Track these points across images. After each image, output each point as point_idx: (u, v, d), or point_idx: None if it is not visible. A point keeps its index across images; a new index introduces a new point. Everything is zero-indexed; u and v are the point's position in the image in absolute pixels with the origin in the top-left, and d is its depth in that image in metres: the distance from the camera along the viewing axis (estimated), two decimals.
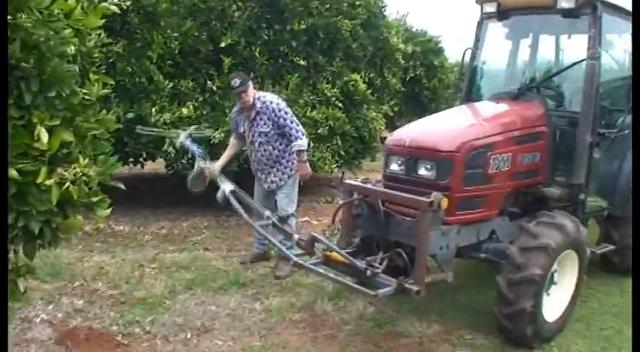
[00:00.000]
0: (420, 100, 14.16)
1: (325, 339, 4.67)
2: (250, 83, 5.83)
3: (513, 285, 4.31)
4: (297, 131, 5.76)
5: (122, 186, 2.99)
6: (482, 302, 5.29)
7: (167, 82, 7.15)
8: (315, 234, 4.76)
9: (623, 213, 5.66)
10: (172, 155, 7.05)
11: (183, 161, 7.55)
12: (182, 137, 5.93)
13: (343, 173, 10.06)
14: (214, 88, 7.44)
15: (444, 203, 4.25)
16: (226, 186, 5.38)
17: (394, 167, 4.72)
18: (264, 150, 5.87)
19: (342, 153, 8.46)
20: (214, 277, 5.83)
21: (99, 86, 3.11)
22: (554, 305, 4.67)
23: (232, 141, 6.25)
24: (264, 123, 5.79)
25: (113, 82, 3.62)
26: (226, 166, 6.15)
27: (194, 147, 5.88)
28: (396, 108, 11.18)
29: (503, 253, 4.73)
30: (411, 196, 4.25)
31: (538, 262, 4.32)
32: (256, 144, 5.88)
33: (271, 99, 5.86)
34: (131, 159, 7.94)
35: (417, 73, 13.16)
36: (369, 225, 4.81)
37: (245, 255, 6.41)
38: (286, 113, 5.79)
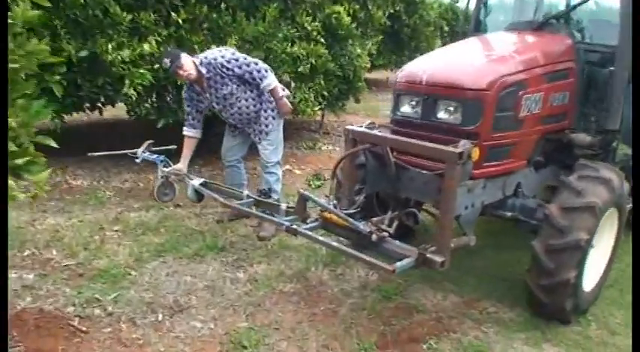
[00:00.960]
0: (400, 38, 13.12)
1: (325, 316, 3.84)
2: (183, 55, 4.77)
3: (554, 253, 3.51)
4: (258, 71, 4.80)
5: (52, 144, 2.03)
6: (500, 266, 4.53)
7: (125, 14, 5.97)
8: (306, 193, 3.86)
9: None
10: (134, 98, 5.97)
11: (147, 105, 6.48)
12: (139, 151, 5.23)
13: (323, 115, 9.15)
14: (180, 20, 6.28)
15: (475, 153, 3.38)
16: (195, 181, 4.77)
17: (406, 109, 3.79)
18: (239, 109, 4.95)
19: (326, 93, 7.47)
20: (188, 240, 4.91)
21: (25, 5, 2.16)
22: (591, 271, 3.91)
23: (187, 132, 5.17)
24: (222, 85, 4.82)
25: (49, 4, 2.66)
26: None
27: (154, 156, 5.18)
28: (376, 46, 10.13)
29: (531, 211, 3.94)
30: (434, 146, 3.34)
31: (584, 225, 3.52)
32: (228, 108, 4.96)
33: (213, 56, 4.83)
34: (87, 105, 6.81)
35: (397, 8, 12.06)
36: (375, 179, 3.93)
37: (222, 212, 5.48)
38: (237, 60, 4.81)
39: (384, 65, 13.87)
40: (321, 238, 3.59)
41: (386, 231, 3.58)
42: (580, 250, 3.51)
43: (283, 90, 5.06)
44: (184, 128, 5.17)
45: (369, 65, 8.38)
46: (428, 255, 3.31)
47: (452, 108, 3.56)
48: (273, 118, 5.02)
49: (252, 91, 4.91)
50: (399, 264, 3.24)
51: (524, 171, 4.06)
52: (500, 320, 3.87)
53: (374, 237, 3.45)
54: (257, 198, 4.38)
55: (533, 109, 3.85)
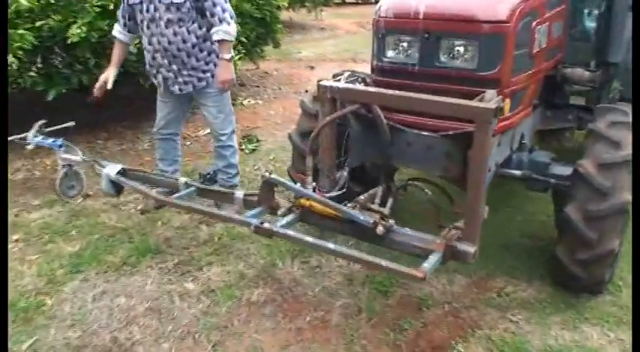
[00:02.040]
0: None
1: (314, 330, 2.92)
2: None
3: (596, 220, 2.76)
4: (223, 10, 3.61)
5: None
6: (496, 230, 3.76)
7: None
8: (273, 176, 2.84)
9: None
10: (14, 66, 4.53)
11: (32, 73, 5.03)
12: (30, 136, 3.85)
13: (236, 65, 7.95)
14: None
15: (507, 107, 2.52)
16: (110, 169, 3.52)
17: (397, 53, 2.83)
18: (174, 34, 3.66)
19: (244, 39, 6.29)
20: (110, 244, 3.76)
21: None
22: None
23: (118, 34, 3.91)
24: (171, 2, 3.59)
25: None
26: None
27: (49, 141, 3.86)
28: None
29: (544, 166, 3.17)
30: (459, 102, 2.41)
31: (627, 183, 2.78)
32: (162, 24, 3.64)
33: None
34: None
35: None
36: (362, 149, 2.98)
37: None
38: None
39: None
40: (315, 241, 2.57)
41: (381, 215, 2.67)
42: (625, 214, 2.80)
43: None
44: (115, 29, 3.94)
45: (287, 4, 7.22)
46: (457, 246, 2.46)
47: (462, 49, 2.63)
48: (213, 77, 3.84)
49: (202, 27, 3.71)
50: (426, 265, 2.35)
51: (527, 119, 3.26)
52: (524, 301, 3.12)
53: (379, 229, 2.53)
54: (200, 185, 3.28)
55: (542, 43, 3.02)
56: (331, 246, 2.50)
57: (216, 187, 3.35)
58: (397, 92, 2.56)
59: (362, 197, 2.95)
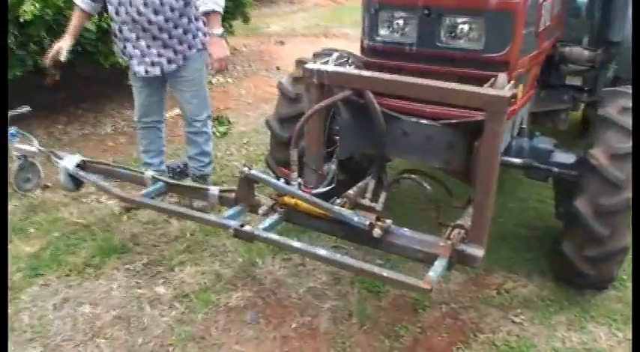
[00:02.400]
0: None
1: (302, 338, 2.64)
2: None
3: (608, 215, 2.51)
4: None
5: None
6: (496, 221, 3.43)
7: None
8: (253, 172, 2.51)
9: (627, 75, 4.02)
10: None
11: None
12: None
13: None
14: None
15: (520, 93, 2.24)
16: (67, 162, 3.14)
17: (392, 32, 2.51)
18: (145, 4, 3.20)
19: None
20: (71, 243, 3.38)
21: None
22: None
23: (79, 2, 3.40)
24: None
25: None
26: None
27: None
28: None
29: (546, 154, 2.91)
30: (471, 88, 2.10)
31: None
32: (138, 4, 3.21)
33: None
34: None
35: None
36: (353, 139, 2.67)
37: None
38: None
39: None
40: (304, 247, 2.26)
41: (377, 215, 2.38)
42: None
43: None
44: None
45: None
46: (465, 249, 2.19)
47: (466, 28, 2.33)
48: (192, 57, 3.42)
49: (187, 3, 3.29)
50: (432, 274, 2.07)
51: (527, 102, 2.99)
52: (525, 300, 2.89)
53: (376, 231, 2.24)
54: (169, 181, 2.92)
55: (547, 20, 2.74)
56: (322, 252, 2.20)
57: (188, 182, 3.00)
58: (398, 77, 2.24)
59: (351, 191, 2.66)
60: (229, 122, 5.36)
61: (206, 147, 3.75)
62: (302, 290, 2.96)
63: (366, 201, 2.65)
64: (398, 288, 2.79)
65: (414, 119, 2.49)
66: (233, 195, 2.63)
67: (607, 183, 2.50)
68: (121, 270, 3.13)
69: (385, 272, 2.07)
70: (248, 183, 2.54)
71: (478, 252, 2.20)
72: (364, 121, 2.54)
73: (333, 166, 2.67)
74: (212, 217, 2.50)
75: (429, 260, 2.23)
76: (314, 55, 3.28)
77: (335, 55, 2.58)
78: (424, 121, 2.48)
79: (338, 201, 2.58)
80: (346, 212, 2.28)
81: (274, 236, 2.30)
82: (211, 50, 3.20)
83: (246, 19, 7.01)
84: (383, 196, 2.68)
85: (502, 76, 2.17)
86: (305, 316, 2.78)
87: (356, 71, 2.41)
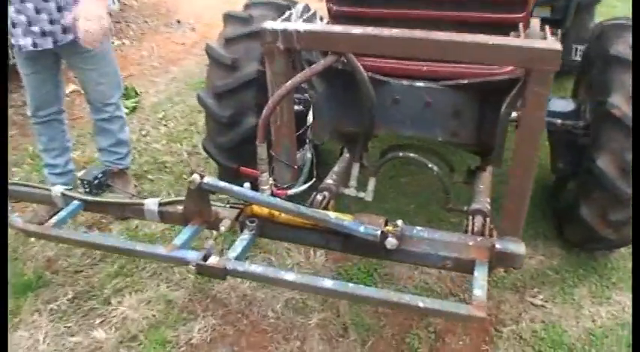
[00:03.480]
0: None
1: None
2: None
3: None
4: None
5: None
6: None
7: None
8: (206, 181, 1.79)
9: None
10: None
11: None
12: None
13: None
14: None
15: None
16: None
17: None
18: None
19: None
20: None
21: None
22: None
23: None
24: None
25: None
26: None
27: None
28: None
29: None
30: (509, 40, 1.50)
31: None
32: None
33: None
34: None
35: None
36: (333, 116, 2.02)
37: (32, 211, 2.88)
38: None
39: None
40: (304, 280, 1.62)
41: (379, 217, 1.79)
42: None
43: None
44: None
45: None
46: (504, 248, 1.66)
47: None
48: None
49: None
50: (479, 293, 1.53)
51: None
52: (539, 274, 2.45)
53: (390, 242, 1.65)
54: (85, 198, 2.13)
55: None
56: (328, 283, 1.59)
57: (112, 197, 2.21)
58: (406, 33, 1.57)
59: (330, 181, 2.05)
60: (137, 93, 4.47)
61: (122, 134, 2.96)
62: (279, 306, 2.35)
63: (351, 191, 2.06)
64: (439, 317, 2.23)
65: (406, 82, 1.88)
66: (179, 208, 1.93)
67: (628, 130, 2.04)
68: (44, 313, 2.37)
69: (421, 303, 1.51)
70: (200, 192, 1.85)
71: (518, 247, 1.69)
72: (344, 92, 1.91)
73: (309, 154, 2.04)
74: (161, 250, 1.80)
75: (461, 268, 1.70)
76: (246, 5, 2.55)
77: (300, 6, 1.89)
78: (420, 83, 1.88)
79: (318, 197, 1.97)
80: (348, 222, 1.67)
81: (256, 267, 1.66)
82: (79, 12, 2.34)
83: None
84: (372, 183, 2.09)
85: (535, 21, 1.60)
86: (291, 340, 2.20)
87: (339, 28, 1.73)
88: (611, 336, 2.18)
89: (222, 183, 1.77)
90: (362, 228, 1.66)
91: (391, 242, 1.66)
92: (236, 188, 1.77)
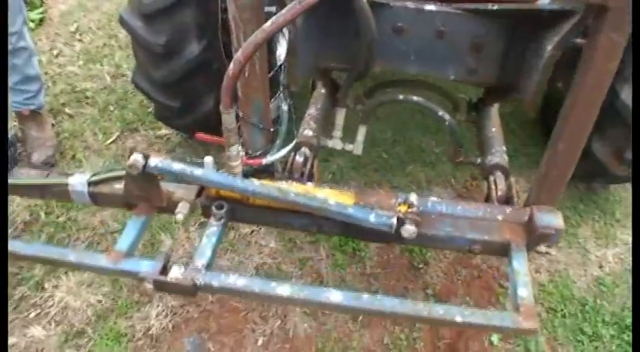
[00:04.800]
0: None
1: None
2: None
3: None
4: None
5: None
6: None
7: None
8: (153, 161, 1.27)
9: None
10: None
11: None
12: None
13: None
14: None
15: None
16: None
17: None
18: None
19: None
20: None
21: None
22: None
23: None
24: None
25: None
26: None
27: None
28: None
29: None
30: None
31: None
32: None
33: None
34: None
35: None
36: (317, 51, 1.50)
37: None
38: None
39: None
40: (306, 294, 1.19)
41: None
42: None
43: None
44: None
45: None
46: (542, 222, 1.28)
47: None
48: None
49: None
50: (525, 294, 1.17)
51: None
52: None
53: (409, 229, 1.24)
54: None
55: None
56: (338, 297, 1.18)
57: (25, 176, 1.61)
58: None
59: (309, 132, 1.58)
60: (42, 1, 3.62)
61: (30, 69, 2.31)
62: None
63: (336, 143, 1.61)
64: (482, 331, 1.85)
65: (412, 4, 1.38)
66: (118, 188, 1.42)
67: None
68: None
69: (458, 316, 1.14)
70: (149, 179, 1.34)
71: (558, 220, 1.33)
72: (329, 17, 1.38)
73: (285, 106, 1.53)
74: (103, 262, 1.30)
75: (493, 252, 1.33)
76: None
77: None
78: (431, 7, 1.38)
79: (298, 158, 1.51)
80: (353, 208, 1.23)
81: (236, 279, 1.22)
82: None
83: None
84: (362, 133, 1.63)
85: None
86: (269, 319, 1.83)
87: None
88: (621, 285, 1.95)
89: (175, 165, 1.26)
90: (372, 217, 1.23)
91: (409, 230, 1.25)
92: (195, 170, 1.27)
